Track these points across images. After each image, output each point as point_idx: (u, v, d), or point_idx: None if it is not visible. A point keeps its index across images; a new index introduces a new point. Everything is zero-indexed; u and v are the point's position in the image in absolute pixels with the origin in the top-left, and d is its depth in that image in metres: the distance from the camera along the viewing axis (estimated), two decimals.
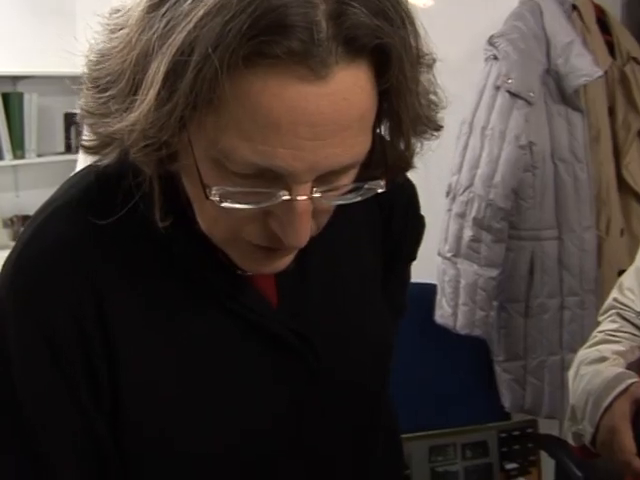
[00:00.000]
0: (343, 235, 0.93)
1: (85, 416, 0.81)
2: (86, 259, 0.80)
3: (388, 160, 0.78)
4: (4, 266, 0.83)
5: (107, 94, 0.73)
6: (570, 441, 1.37)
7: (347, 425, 0.94)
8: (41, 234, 0.82)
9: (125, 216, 0.80)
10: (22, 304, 0.80)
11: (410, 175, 1.04)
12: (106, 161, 0.78)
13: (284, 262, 0.81)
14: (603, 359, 1.36)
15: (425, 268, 2.20)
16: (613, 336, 1.41)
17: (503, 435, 2.28)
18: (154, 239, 0.81)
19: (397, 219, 0.99)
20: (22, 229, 0.85)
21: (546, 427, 2.38)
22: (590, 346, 1.42)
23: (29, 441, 0.80)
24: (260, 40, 0.65)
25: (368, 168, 0.77)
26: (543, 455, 2.32)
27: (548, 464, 2.31)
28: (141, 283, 0.82)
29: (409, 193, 1.02)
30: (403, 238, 1.01)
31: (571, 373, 1.41)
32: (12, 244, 0.86)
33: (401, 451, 1.14)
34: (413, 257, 1.06)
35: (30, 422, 0.80)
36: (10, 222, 4.21)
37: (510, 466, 2.28)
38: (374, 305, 0.98)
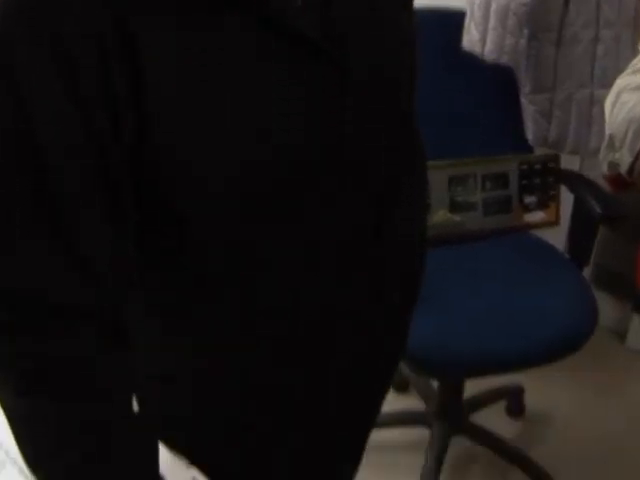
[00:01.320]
0: None
1: (100, 145, 0.75)
2: None
3: None
4: None
5: None
6: (604, 170, 1.32)
7: (381, 141, 0.91)
8: None
9: None
10: (30, 20, 0.70)
11: None
12: None
13: None
14: None
15: None
16: None
17: (524, 167, 2.24)
18: None
19: None
20: None
21: (568, 165, 2.35)
22: (631, 73, 1.32)
23: (43, 172, 0.74)
24: None
25: None
26: (563, 191, 2.31)
27: (567, 200, 2.30)
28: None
29: None
30: None
31: (608, 101, 1.32)
32: None
33: (426, 178, 1.12)
34: None
35: (44, 152, 0.74)
36: None
37: (529, 200, 2.26)
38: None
